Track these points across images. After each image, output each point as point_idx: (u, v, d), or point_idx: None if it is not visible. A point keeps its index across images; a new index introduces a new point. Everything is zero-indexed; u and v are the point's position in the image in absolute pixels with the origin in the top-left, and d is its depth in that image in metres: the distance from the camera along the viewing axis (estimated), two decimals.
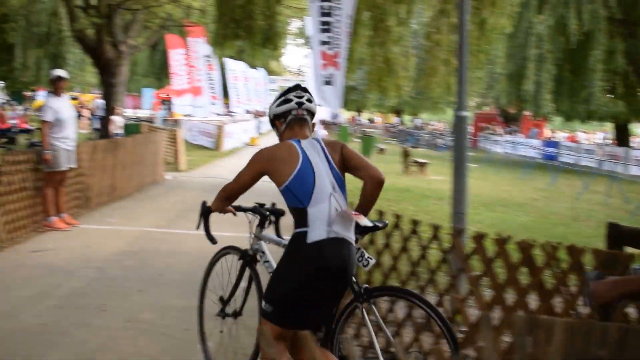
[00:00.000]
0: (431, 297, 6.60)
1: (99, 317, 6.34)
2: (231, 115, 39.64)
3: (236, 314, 4.92)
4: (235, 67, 39.20)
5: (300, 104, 4.16)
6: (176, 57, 28.63)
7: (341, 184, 4.03)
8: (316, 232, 3.81)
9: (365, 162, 4.10)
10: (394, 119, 74.46)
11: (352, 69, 16.09)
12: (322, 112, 30.94)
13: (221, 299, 4.99)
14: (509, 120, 51.29)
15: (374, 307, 4.10)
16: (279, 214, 4.69)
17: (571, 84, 33.27)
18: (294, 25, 61.14)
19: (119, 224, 11.20)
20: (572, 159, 33.99)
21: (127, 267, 8.22)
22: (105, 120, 18.91)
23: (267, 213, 4.71)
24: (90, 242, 9.47)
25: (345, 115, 60.32)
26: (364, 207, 4.06)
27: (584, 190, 20.59)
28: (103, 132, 19.62)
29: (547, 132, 55.15)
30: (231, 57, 35.53)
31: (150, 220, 11.57)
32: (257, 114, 47.33)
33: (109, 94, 18.35)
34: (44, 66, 32.42)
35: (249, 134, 35.05)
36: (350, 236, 3.93)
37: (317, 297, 3.88)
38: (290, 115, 4.18)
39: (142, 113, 45.81)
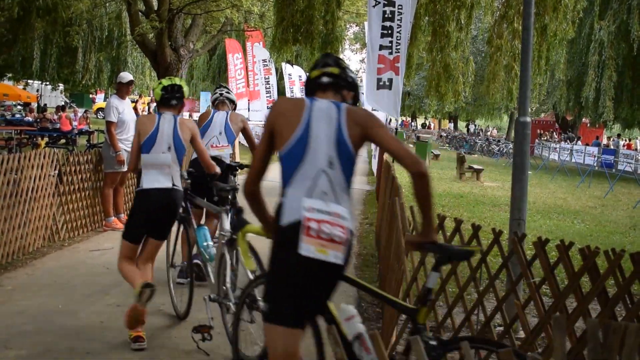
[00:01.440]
0: (491, 303, 6.58)
1: (155, 316, 6.42)
2: None
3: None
4: (292, 72, 39.33)
5: None
6: (234, 62, 28.87)
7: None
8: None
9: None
10: (448, 125, 74.02)
11: (409, 74, 16.04)
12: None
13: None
14: (566, 127, 50.57)
15: None
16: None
17: (632, 90, 32.72)
18: (350, 30, 61.34)
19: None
20: (630, 167, 33.36)
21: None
22: None
23: None
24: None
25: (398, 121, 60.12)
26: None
27: None
28: None
29: (604, 140, 54.24)
30: (288, 61, 35.66)
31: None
32: None
33: None
34: (105, 69, 33.05)
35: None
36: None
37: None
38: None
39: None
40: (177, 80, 6.18)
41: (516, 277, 4.65)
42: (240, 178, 4.93)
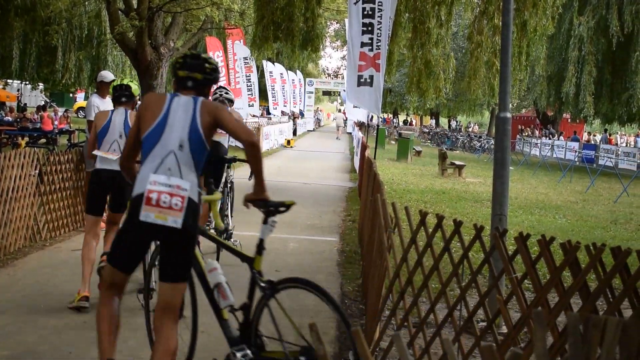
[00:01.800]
0: (473, 299, 6.60)
1: (139, 315, 6.40)
2: (268, 117, 39.80)
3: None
4: (273, 70, 39.34)
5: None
6: (215, 60, 28.90)
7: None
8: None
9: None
10: (430, 121, 74.21)
11: (390, 71, 16.07)
12: (358, 114, 30.91)
13: None
14: (547, 123, 50.83)
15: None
16: None
17: (612, 85, 32.97)
18: (331, 27, 61.36)
19: None
20: (611, 162, 33.59)
21: None
22: None
23: None
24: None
25: (380, 117, 60.19)
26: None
27: (623, 193, 20.36)
28: None
29: (584, 135, 54.59)
30: (269, 59, 35.66)
31: None
32: (294, 116, 47.44)
33: None
34: (85, 68, 32.84)
35: (285, 136, 35.20)
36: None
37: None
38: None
39: None
40: (125, 81, 7.33)
41: (498, 272, 4.67)
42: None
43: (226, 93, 9.55)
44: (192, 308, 5.01)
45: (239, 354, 4.44)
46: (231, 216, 9.66)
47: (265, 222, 4.49)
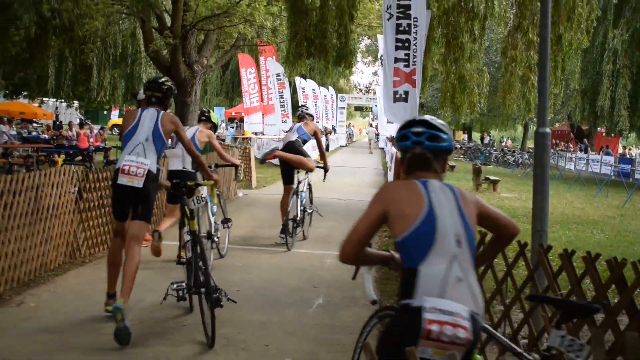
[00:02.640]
0: (517, 315, 6.54)
1: (179, 332, 6.44)
2: None
3: None
4: (306, 86, 39.44)
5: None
6: (247, 76, 28.99)
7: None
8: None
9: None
10: (462, 136, 73.90)
11: (423, 86, 16.04)
12: (391, 129, 30.88)
13: None
14: (582, 137, 50.38)
15: None
16: None
17: None
18: (362, 43, 61.41)
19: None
20: None
21: None
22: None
23: None
24: (167, 257, 9.61)
25: None
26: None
27: None
28: None
29: (619, 149, 54.04)
30: (302, 75, 35.74)
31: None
32: (326, 132, 47.49)
33: (182, 113, 18.63)
34: (119, 86, 33.19)
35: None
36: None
37: None
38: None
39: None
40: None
41: (543, 289, 4.62)
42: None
43: (306, 109, 12.56)
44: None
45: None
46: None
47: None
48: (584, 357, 3.13)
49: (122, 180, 6.73)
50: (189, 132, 9.56)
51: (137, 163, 6.78)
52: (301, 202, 11.66)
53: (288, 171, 11.56)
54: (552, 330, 3.63)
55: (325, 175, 12.42)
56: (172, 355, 5.84)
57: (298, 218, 11.44)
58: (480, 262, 3.97)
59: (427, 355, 3.20)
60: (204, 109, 10.33)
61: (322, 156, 12.42)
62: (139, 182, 6.73)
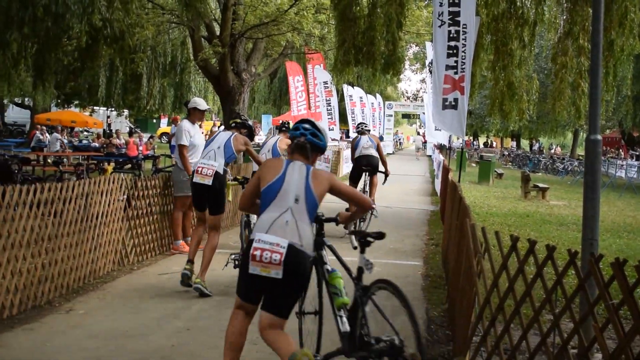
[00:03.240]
0: (567, 325, 6.44)
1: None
2: (348, 141, 39.85)
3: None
4: (353, 93, 39.40)
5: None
6: (295, 84, 29.05)
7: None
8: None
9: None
10: (510, 143, 73.19)
11: (472, 93, 15.92)
12: (438, 136, 30.70)
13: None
14: (633, 144, 49.52)
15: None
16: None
17: None
18: (410, 50, 61.20)
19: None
20: None
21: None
22: None
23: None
24: (215, 266, 9.67)
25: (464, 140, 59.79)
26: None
27: None
28: None
29: None
30: (349, 83, 35.72)
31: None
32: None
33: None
34: (169, 94, 33.46)
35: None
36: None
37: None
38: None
39: (259, 139, 46.68)
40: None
41: (594, 298, 4.54)
42: None
43: (366, 126, 14.27)
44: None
45: None
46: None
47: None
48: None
49: (197, 179, 8.77)
50: (270, 142, 11.75)
51: (208, 165, 8.75)
52: None
53: (358, 174, 13.59)
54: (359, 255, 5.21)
55: (385, 179, 14.22)
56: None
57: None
58: (352, 219, 5.61)
59: (257, 272, 4.71)
60: (284, 122, 12.86)
61: (384, 163, 13.90)
62: (208, 181, 8.68)
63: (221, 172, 8.83)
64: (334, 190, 5.18)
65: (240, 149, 9.31)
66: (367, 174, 13.69)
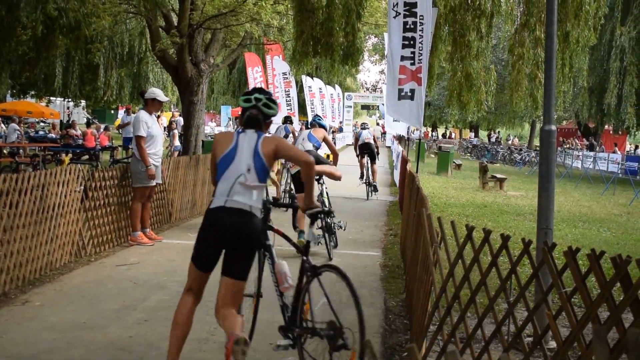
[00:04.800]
0: (522, 313, 6.53)
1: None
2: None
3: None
4: (312, 84, 39.40)
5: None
6: (254, 75, 28.95)
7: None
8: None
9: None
10: (469, 134, 73.82)
11: (430, 85, 16.01)
12: (397, 128, 30.82)
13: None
14: (589, 135, 50.25)
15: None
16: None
17: None
18: (369, 42, 61.27)
19: None
20: None
21: (211, 281, 8.23)
22: (186, 137, 19.22)
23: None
24: (173, 257, 9.63)
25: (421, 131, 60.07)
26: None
27: None
28: (183, 148, 19.95)
29: (627, 146, 53.87)
30: (308, 74, 35.69)
31: None
32: (333, 130, 47.46)
33: (188, 112, 18.62)
34: (127, 85, 33.18)
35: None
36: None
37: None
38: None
39: (219, 130, 46.41)
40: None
41: (547, 287, 4.60)
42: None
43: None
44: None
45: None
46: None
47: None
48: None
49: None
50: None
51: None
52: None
53: (362, 156, 12.69)
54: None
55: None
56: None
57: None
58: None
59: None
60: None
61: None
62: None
63: None
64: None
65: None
66: (369, 160, 19.22)
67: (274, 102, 5.52)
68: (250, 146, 5.22)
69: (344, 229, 11.29)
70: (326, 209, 5.61)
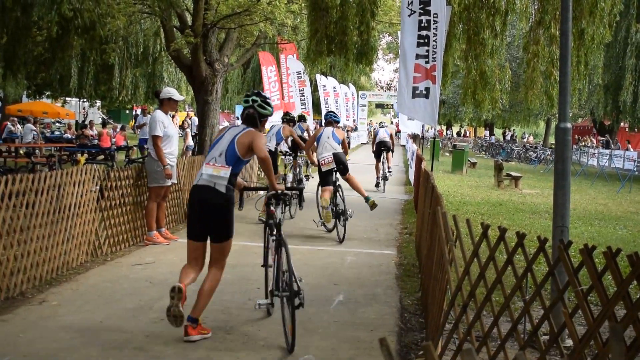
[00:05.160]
0: (538, 311, 6.51)
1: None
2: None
3: None
4: (327, 83, 39.39)
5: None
6: (268, 74, 28.97)
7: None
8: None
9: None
10: (484, 133, 73.60)
11: (444, 83, 15.98)
12: (411, 126, 30.75)
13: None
14: (604, 132, 49.97)
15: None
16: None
17: None
18: (383, 40, 61.20)
19: None
20: None
21: (226, 281, 8.11)
22: (200, 137, 19.27)
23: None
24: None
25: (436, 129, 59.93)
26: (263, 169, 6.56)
27: None
28: (198, 148, 19.99)
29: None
30: (322, 73, 35.68)
31: (245, 234, 11.66)
32: (347, 129, 47.43)
33: (203, 112, 18.66)
34: (141, 85, 33.25)
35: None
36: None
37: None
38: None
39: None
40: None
41: (563, 285, 4.59)
42: None
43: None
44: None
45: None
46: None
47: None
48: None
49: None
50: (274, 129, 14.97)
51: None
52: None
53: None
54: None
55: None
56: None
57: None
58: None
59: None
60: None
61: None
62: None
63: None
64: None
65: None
66: (385, 152, 21.55)
67: (269, 104, 6.65)
68: (231, 136, 6.37)
69: (351, 216, 11.99)
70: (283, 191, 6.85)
